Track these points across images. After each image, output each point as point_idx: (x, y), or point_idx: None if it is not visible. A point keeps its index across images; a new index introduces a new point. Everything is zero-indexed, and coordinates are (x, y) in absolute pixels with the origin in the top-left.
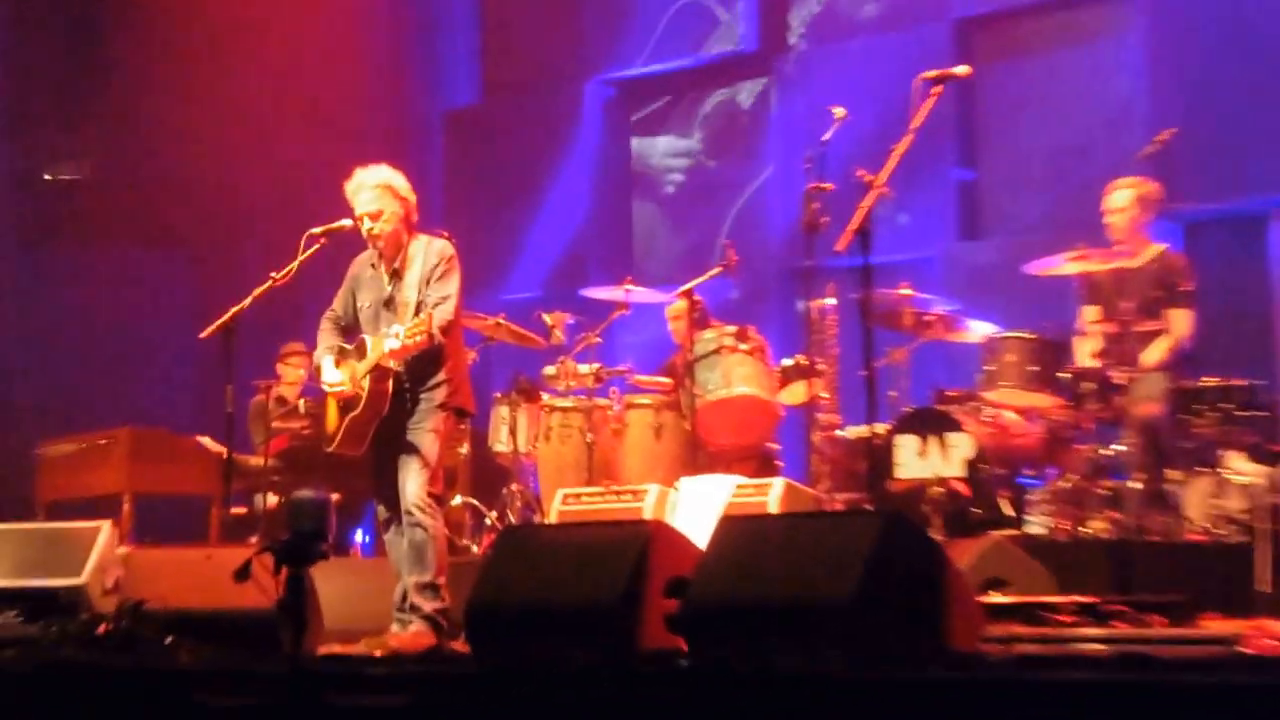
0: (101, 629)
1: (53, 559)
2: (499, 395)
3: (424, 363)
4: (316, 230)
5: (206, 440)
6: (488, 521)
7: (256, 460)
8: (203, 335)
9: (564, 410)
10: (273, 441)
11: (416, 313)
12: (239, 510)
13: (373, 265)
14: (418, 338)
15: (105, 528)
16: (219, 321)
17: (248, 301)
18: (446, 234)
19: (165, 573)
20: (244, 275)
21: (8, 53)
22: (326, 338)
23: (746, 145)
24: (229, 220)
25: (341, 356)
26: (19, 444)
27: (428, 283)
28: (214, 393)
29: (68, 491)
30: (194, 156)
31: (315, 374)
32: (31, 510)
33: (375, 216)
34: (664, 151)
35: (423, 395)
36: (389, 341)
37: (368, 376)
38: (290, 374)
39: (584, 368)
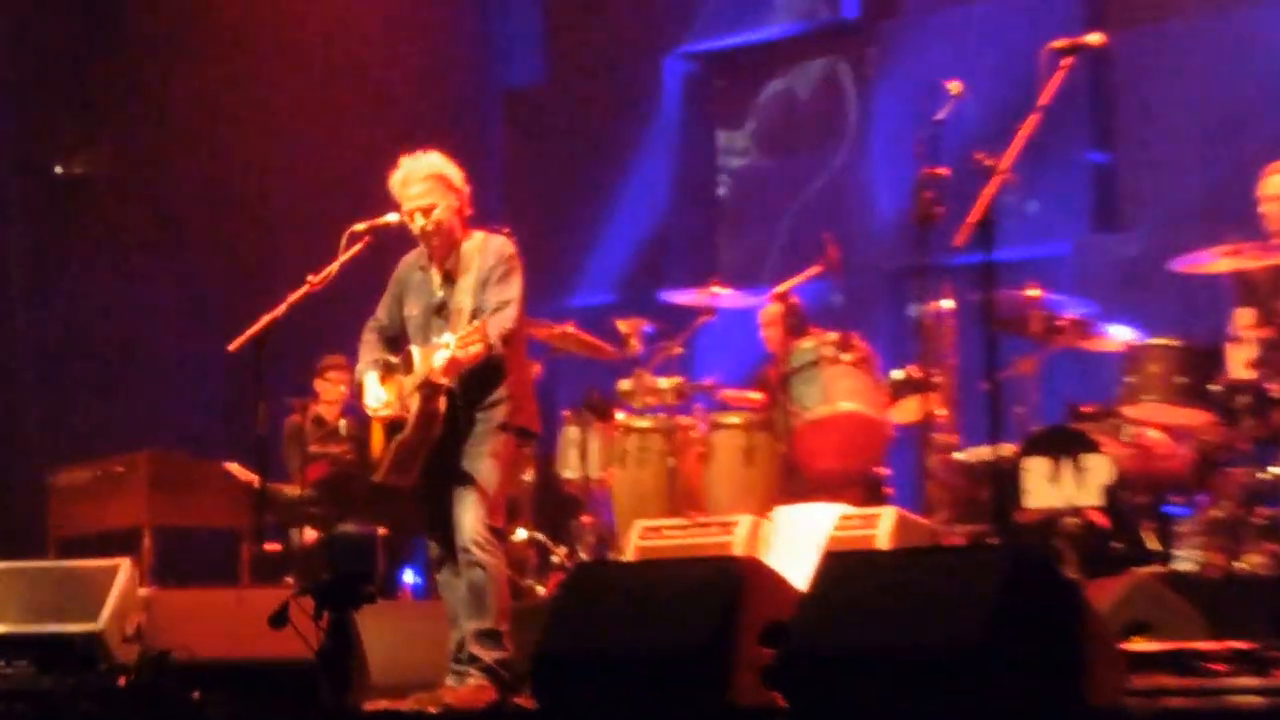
0: (121, 682)
1: (66, 602)
2: (567, 414)
3: (481, 378)
4: (359, 227)
5: (236, 467)
6: (555, 559)
7: (292, 489)
8: (232, 348)
9: (642, 431)
10: (310, 468)
11: (472, 320)
12: (273, 546)
13: (422, 267)
14: (473, 348)
15: (124, 566)
16: (249, 332)
17: (282, 309)
18: (507, 230)
19: (191, 617)
20: (278, 279)
21: (16, 29)
22: (369, 350)
23: (847, 125)
24: (262, 218)
25: (387, 372)
26: (27, 471)
27: (485, 286)
28: (244, 413)
29: (81, 525)
30: (224, 147)
31: (357, 392)
32: (42, 546)
33: (426, 212)
34: (752, 133)
35: (480, 415)
36: (440, 353)
37: (416, 394)
38: (330, 391)
39: (664, 382)
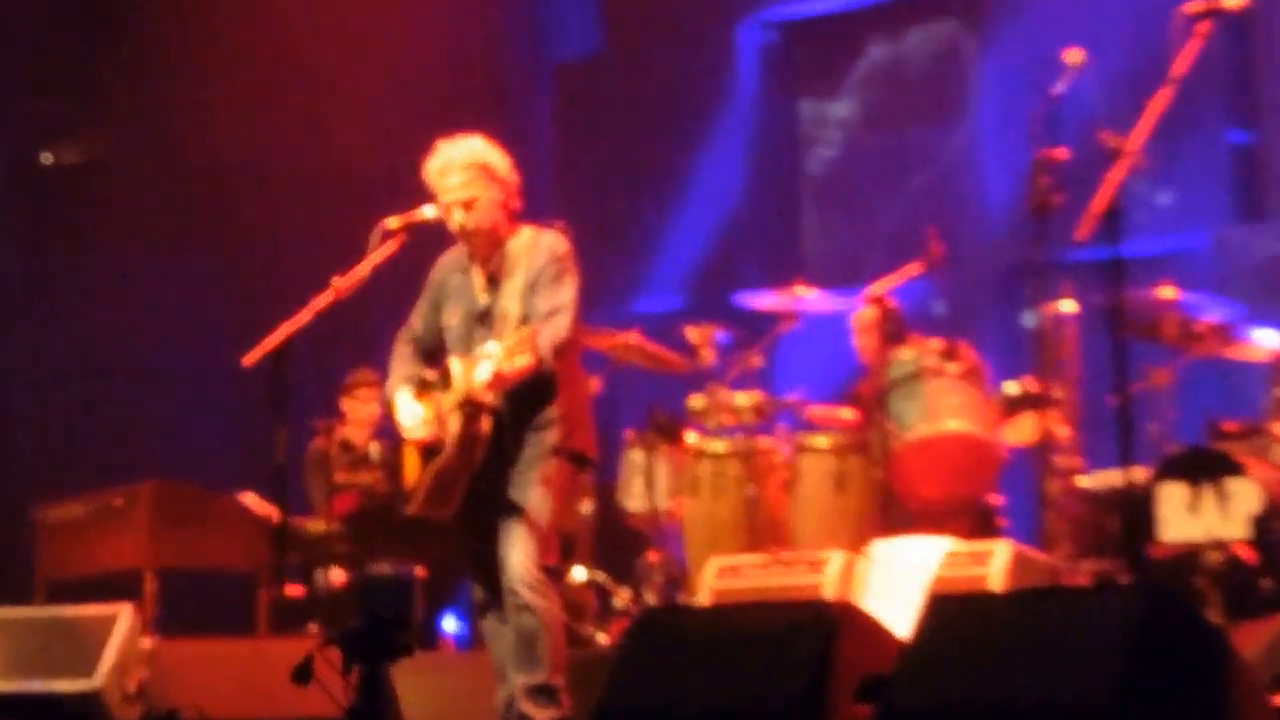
0: None
1: (58, 655)
2: (631, 436)
3: (531, 395)
4: (392, 223)
5: (252, 499)
6: (618, 603)
7: (316, 524)
8: (246, 362)
9: (716, 455)
10: (337, 500)
11: (520, 329)
12: (295, 590)
13: (462, 269)
14: (521, 361)
15: (124, 614)
16: (267, 344)
17: (305, 317)
18: (559, 225)
19: (201, 672)
20: (300, 283)
21: None
22: (403, 364)
23: (947, 102)
24: (282, 213)
25: (423, 389)
26: (11, 505)
27: (535, 289)
28: (261, 437)
29: (75, 567)
30: (238, 131)
31: (389, 412)
32: (29, 591)
33: (466, 205)
34: (840, 113)
35: (529, 437)
36: (483, 367)
37: (456, 414)
38: (359, 411)
39: (742, 398)
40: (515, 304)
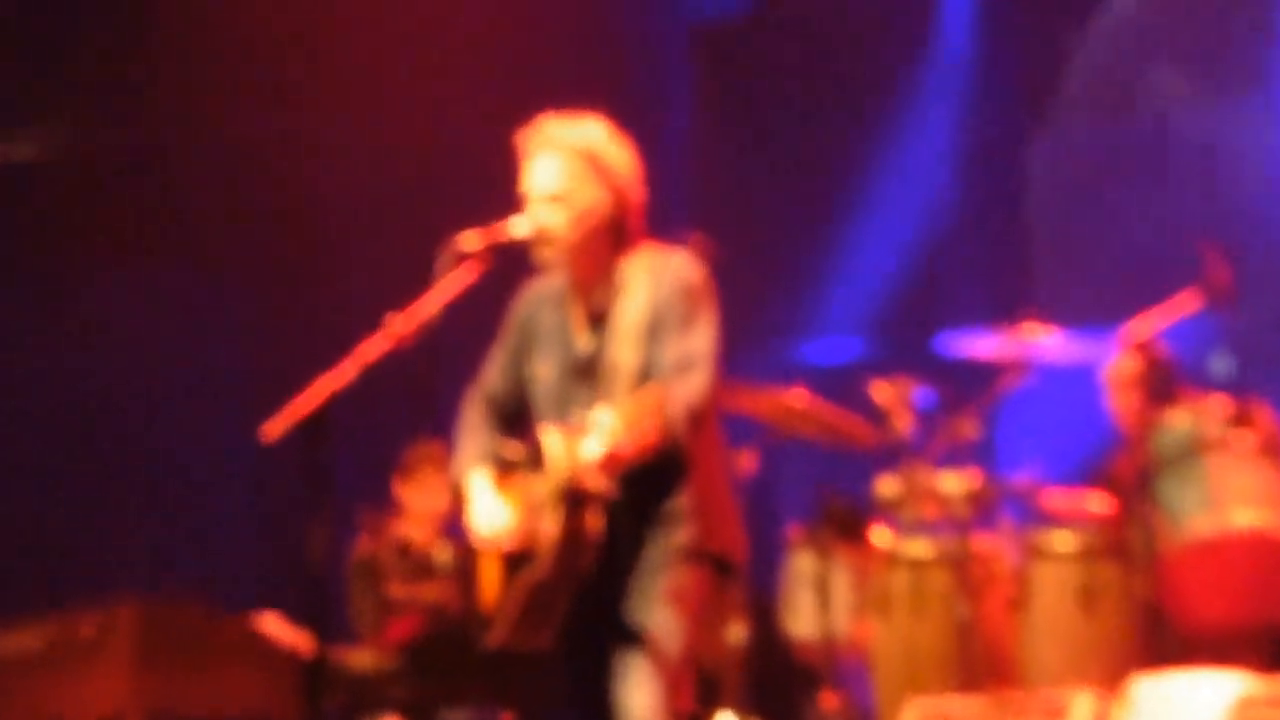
0: None
1: None
2: (797, 534)
3: (656, 479)
4: (469, 241)
5: (274, 623)
6: None
7: (364, 657)
8: (268, 434)
9: (916, 562)
10: (392, 624)
11: (640, 387)
12: None
13: (557, 303)
14: (644, 433)
15: None
16: (296, 410)
17: (348, 372)
18: (695, 240)
19: None
20: (341, 324)
21: None
22: (476, 437)
23: (1235, 69)
24: (318, 227)
25: (505, 472)
26: None
27: (659, 332)
28: (286, 537)
29: (30, 716)
30: (251, 118)
31: (459, 503)
32: None
33: (559, 200)
34: (1084, 92)
35: (654, 537)
36: (592, 442)
37: (554, 507)
38: (420, 502)
39: (950, 480)
40: (630, 352)
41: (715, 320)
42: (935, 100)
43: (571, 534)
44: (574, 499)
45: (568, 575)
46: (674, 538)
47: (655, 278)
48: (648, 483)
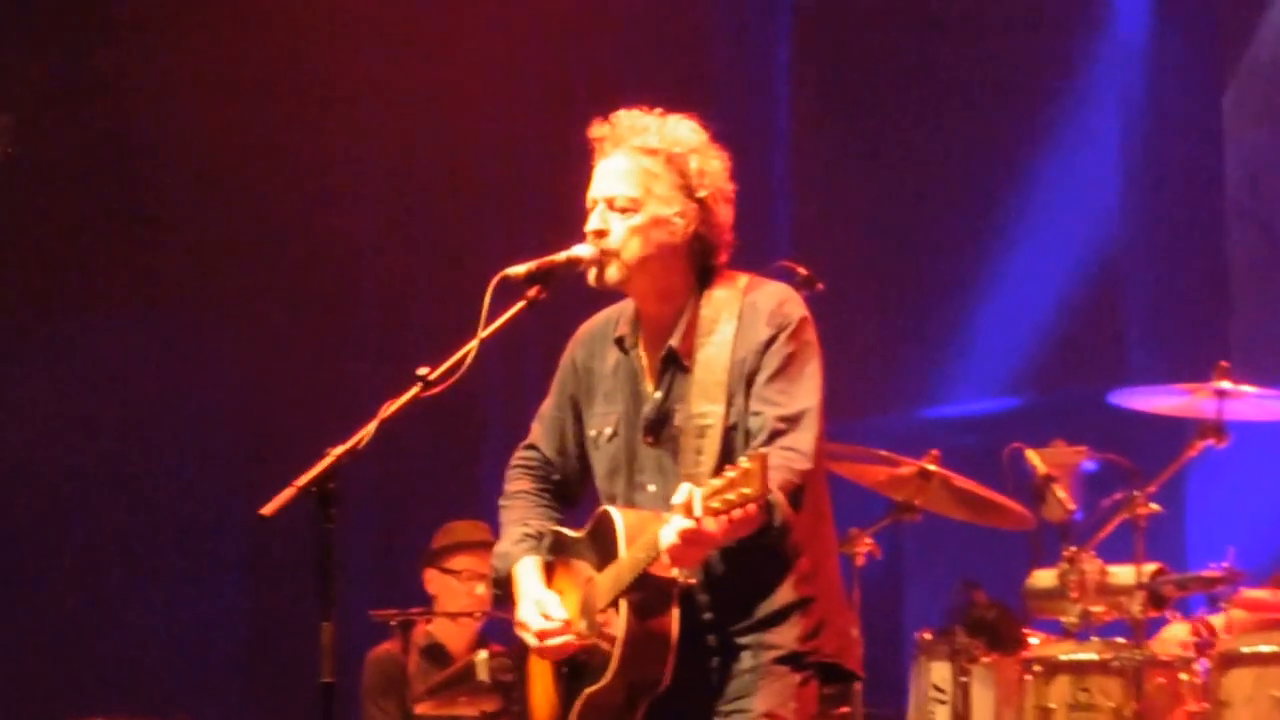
0: None
1: None
2: (927, 637)
3: (750, 569)
4: (517, 271)
5: None
6: None
7: None
8: (265, 511)
9: (1082, 667)
10: None
11: (726, 454)
12: None
13: (621, 343)
14: (738, 512)
15: None
16: (302, 480)
17: (368, 430)
18: (796, 270)
19: None
20: (361, 371)
21: None
22: (524, 512)
23: None
24: (332, 245)
25: (560, 558)
26: None
27: (750, 382)
28: (292, 637)
29: None
30: (255, 118)
31: (503, 597)
32: None
33: (626, 211)
34: None
35: (748, 641)
36: (671, 526)
37: (622, 603)
38: (455, 595)
39: (1121, 571)
40: (714, 407)
41: (820, 369)
42: (1101, 101)
43: (642, 636)
44: (648, 595)
45: (637, 687)
46: (774, 640)
47: (745, 315)
48: (739, 572)
